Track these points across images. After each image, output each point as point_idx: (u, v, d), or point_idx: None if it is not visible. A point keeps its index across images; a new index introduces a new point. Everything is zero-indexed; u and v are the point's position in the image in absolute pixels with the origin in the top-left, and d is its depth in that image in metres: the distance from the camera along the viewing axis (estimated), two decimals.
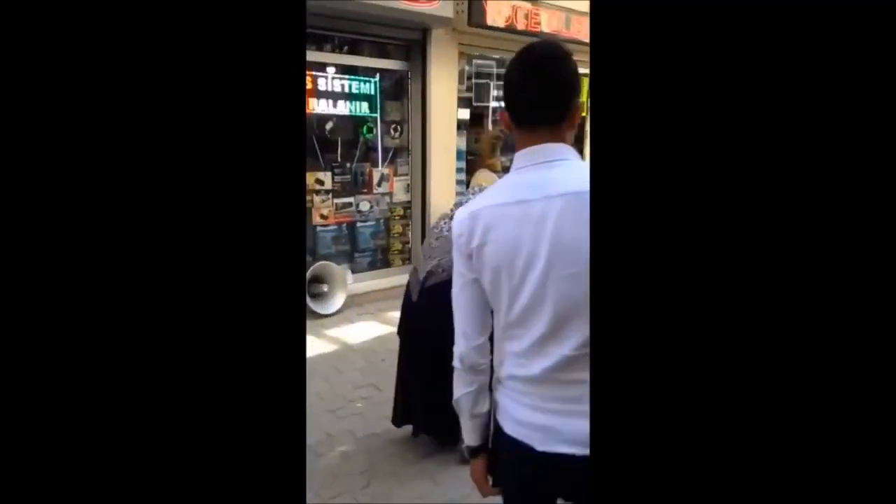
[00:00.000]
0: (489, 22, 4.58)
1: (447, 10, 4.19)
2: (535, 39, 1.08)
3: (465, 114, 5.10)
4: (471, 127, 5.34)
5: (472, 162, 5.30)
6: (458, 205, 2.43)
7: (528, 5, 4.80)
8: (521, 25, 4.79)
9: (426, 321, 2.31)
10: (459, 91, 4.92)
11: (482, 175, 4.67)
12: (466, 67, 5.08)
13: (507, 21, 4.70)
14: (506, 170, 5.08)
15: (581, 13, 5.22)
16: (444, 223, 2.42)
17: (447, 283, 2.38)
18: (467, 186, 4.93)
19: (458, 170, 5.10)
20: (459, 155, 5.09)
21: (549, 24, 4.98)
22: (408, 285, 2.50)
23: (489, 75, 5.39)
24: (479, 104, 5.36)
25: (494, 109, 5.56)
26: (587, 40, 5.25)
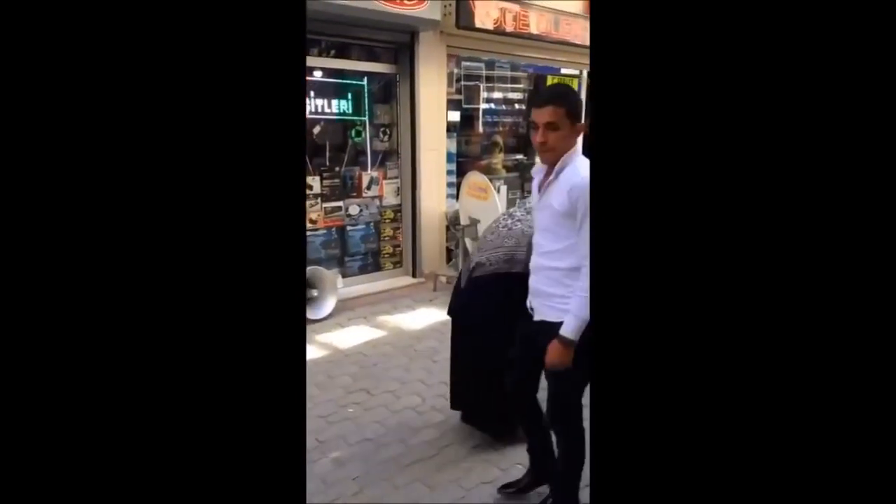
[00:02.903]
0: (478, 24, 4.57)
1: (435, 13, 4.18)
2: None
3: (455, 116, 5.09)
4: (461, 129, 5.32)
5: (462, 164, 5.28)
6: (520, 207, 2.49)
7: (517, 7, 4.80)
8: (509, 27, 4.79)
9: (471, 310, 2.40)
10: (449, 93, 4.90)
11: (473, 177, 4.66)
12: (455, 70, 5.06)
13: (495, 23, 4.70)
14: (507, 168, 5.24)
15: (570, 14, 5.23)
16: (504, 219, 2.44)
17: (491, 278, 2.56)
18: (457, 189, 4.94)
19: (449, 172, 5.08)
20: (450, 157, 5.07)
21: (537, 25, 4.98)
22: (461, 271, 2.58)
23: (479, 77, 5.38)
24: (469, 106, 5.35)
25: (485, 111, 5.55)
26: (576, 41, 5.26)
